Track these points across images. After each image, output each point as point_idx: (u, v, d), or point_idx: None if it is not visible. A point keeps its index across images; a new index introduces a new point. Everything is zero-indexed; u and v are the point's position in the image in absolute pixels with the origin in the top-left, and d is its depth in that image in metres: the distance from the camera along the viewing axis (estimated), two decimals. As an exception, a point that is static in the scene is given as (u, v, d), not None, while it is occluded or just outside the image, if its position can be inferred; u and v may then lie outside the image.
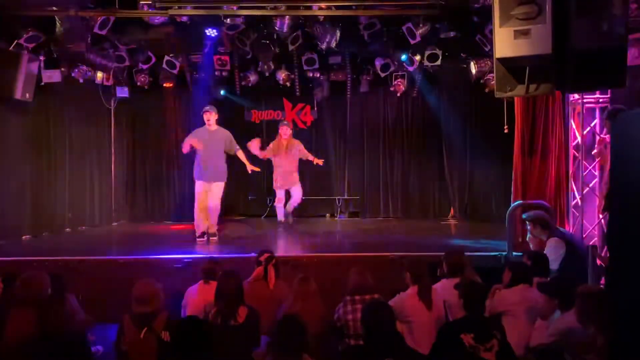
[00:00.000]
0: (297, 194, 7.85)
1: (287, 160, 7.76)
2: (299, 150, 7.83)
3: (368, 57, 8.28)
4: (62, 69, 7.35)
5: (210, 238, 6.88)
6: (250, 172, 7.31)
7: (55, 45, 6.72)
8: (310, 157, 7.86)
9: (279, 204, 7.92)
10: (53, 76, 7.21)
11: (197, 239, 6.81)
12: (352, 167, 9.73)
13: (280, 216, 7.93)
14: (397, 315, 3.40)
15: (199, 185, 6.92)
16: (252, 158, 7.54)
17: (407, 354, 3.00)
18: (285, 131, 7.81)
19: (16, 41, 6.41)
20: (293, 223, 8.00)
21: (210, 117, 6.87)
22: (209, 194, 6.87)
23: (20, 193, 7.42)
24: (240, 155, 7.13)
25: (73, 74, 7.62)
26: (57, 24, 5.94)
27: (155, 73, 8.47)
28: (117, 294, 4.08)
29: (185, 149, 6.86)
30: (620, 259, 1.76)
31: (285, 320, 3.03)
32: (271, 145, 7.89)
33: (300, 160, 7.93)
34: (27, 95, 6.80)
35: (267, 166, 9.37)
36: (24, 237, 7.35)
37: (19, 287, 3.60)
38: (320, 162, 7.85)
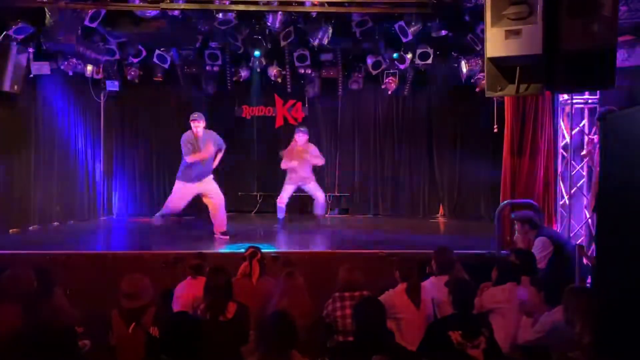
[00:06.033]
0: (318, 194, 7.76)
1: (301, 166, 7.61)
2: (312, 155, 7.62)
3: (360, 54, 8.28)
4: (52, 62, 7.27)
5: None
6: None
7: (44, 38, 6.65)
8: (314, 161, 7.66)
9: (280, 204, 7.72)
10: (42, 68, 7.14)
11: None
12: (343, 164, 9.73)
13: (280, 214, 7.77)
14: (386, 312, 3.41)
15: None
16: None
17: (396, 351, 3.01)
18: (300, 138, 7.63)
19: (5, 32, 6.33)
20: (325, 220, 8.13)
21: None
22: None
23: (8, 186, 7.34)
24: None
25: (62, 67, 7.53)
26: (47, 15, 5.87)
27: (146, 67, 8.40)
28: (105, 289, 4.06)
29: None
30: (608, 258, 1.78)
31: (274, 317, 3.01)
32: (286, 151, 7.70)
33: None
34: (16, 87, 6.72)
35: (257, 165, 9.36)
36: (11, 231, 7.28)
37: (5, 281, 3.56)
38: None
